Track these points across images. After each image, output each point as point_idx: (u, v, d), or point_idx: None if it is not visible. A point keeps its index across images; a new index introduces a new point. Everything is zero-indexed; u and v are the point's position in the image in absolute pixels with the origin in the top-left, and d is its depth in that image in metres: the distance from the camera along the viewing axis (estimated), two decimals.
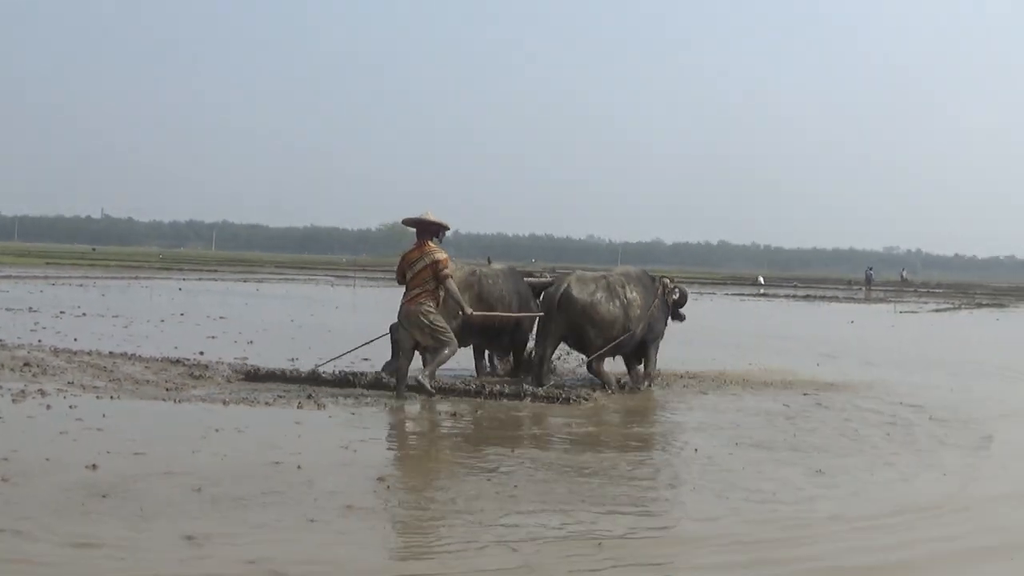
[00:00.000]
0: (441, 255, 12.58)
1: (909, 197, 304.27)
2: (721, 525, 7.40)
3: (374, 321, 25.15)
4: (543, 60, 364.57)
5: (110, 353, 15.58)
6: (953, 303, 54.23)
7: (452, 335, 12.71)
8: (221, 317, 24.14)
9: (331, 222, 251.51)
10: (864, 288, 75.82)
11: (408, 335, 12.66)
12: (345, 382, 13.46)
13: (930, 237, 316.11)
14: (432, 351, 12.73)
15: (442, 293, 12.65)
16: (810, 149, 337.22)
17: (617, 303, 14.14)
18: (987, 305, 53.32)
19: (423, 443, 10.53)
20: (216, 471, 8.26)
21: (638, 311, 14.31)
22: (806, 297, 55.75)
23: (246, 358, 15.72)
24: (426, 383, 12.42)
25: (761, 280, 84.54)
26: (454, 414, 11.70)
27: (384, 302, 36.01)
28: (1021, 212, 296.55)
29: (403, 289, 12.98)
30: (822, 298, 55.33)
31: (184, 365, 14.53)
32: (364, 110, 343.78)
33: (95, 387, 12.31)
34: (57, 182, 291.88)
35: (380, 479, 8.25)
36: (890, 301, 54.63)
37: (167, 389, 12.40)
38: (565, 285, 13.98)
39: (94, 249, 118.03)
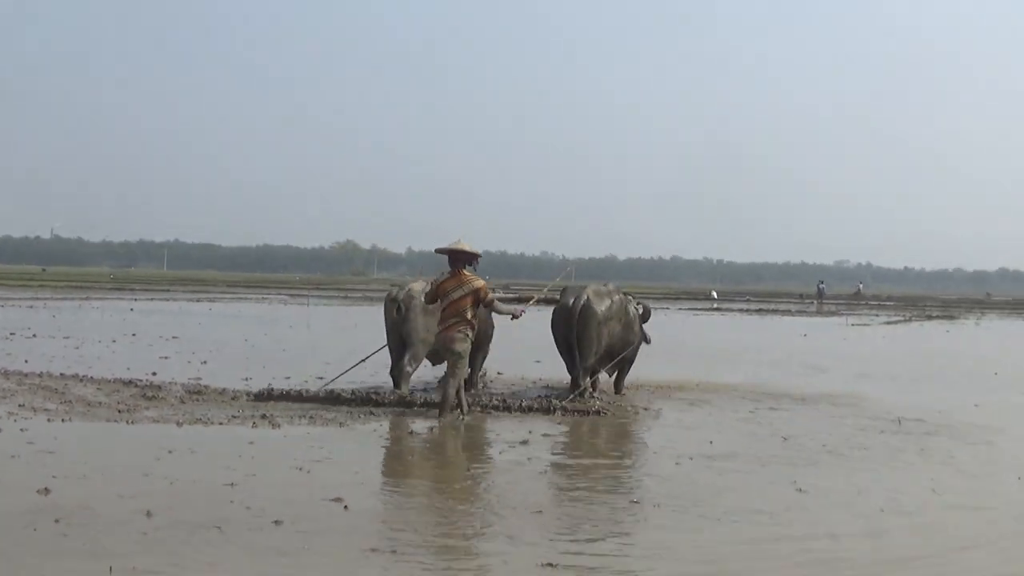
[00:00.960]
0: (480, 283, 12.82)
1: (858, 211, 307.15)
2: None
3: (329, 339, 25.15)
4: (496, 78, 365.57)
5: (61, 375, 15.41)
6: (904, 315, 54.76)
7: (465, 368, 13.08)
8: (174, 337, 23.94)
9: (284, 240, 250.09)
10: (816, 302, 76.44)
11: (440, 358, 13.40)
12: (368, 401, 13.55)
13: (880, 251, 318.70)
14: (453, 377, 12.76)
15: (475, 321, 12.95)
16: (760, 165, 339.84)
17: (625, 318, 14.98)
18: (937, 317, 53.91)
19: (379, 462, 10.46)
20: (168, 495, 8.18)
21: (636, 326, 15.18)
22: (759, 311, 56.06)
23: (199, 378, 15.61)
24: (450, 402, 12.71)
25: (714, 295, 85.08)
26: (411, 432, 11.68)
27: (337, 320, 35.92)
28: (968, 225, 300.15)
29: None
30: (775, 312, 55.67)
31: (136, 386, 14.40)
32: (316, 128, 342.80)
33: (46, 409, 12.16)
34: (5, 202, 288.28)
35: (336, 500, 8.18)
36: (842, 314, 55.07)
37: (119, 411, 12.27)
38: (585, 298, 14.48)
39: (44, 270, 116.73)
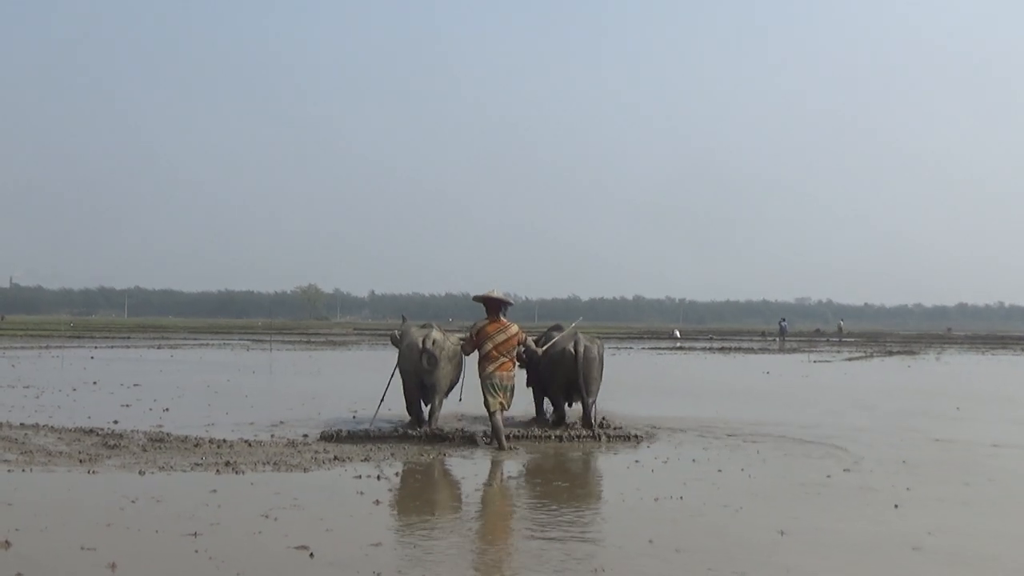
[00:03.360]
0: (516, 326, 14.66)
1: (817, 250, 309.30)
2: None
3: (292, 384, 25.02)
4: (459, 123, 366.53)
5: (21, 424, 15.23)
6: (865, 351, 55.14)
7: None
8: (135, 385, 23.73)
9: (246, 286, 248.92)
10: (778, 339, 76.84)
11: (492, 397, 14.17)
12: (440, 439, 14.45)
13: (840, 288, 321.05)
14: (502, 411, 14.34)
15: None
16: (720, 205, 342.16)
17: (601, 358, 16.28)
18: (898, 352, 54.31)
19: (345, 509, 10.35)
20: (131, 546, 8.08)
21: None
22: (722, 349, 56.29)
23: (161, 426, 15.47)
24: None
25: (677, 333, 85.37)
26: (379, 477, 11.62)
27: (299, 363, 35.76)
28: (927, 262, 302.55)
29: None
30: (737, 349, 55.93)
31: (98, 435, 14.25)
32: (276, 173, 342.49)
33: (5, 460, 12.01)
34: None
35: (301, 548, 8.08)
36: (804, 351, 55.37)
37: (81, 460, 12.14)
38: (584, 343, 15.81)
39: (2, 318, 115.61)
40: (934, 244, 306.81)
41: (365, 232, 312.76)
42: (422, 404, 15.72)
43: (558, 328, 17.44)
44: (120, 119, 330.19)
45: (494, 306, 14.63)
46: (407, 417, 15.90)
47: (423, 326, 16.17)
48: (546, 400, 17.02)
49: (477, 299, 14.84)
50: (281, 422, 16.00)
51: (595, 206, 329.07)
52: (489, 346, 14.34)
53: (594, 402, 15.73)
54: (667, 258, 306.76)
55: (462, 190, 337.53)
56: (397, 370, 15.73)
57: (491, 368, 14.26)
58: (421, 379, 15.36)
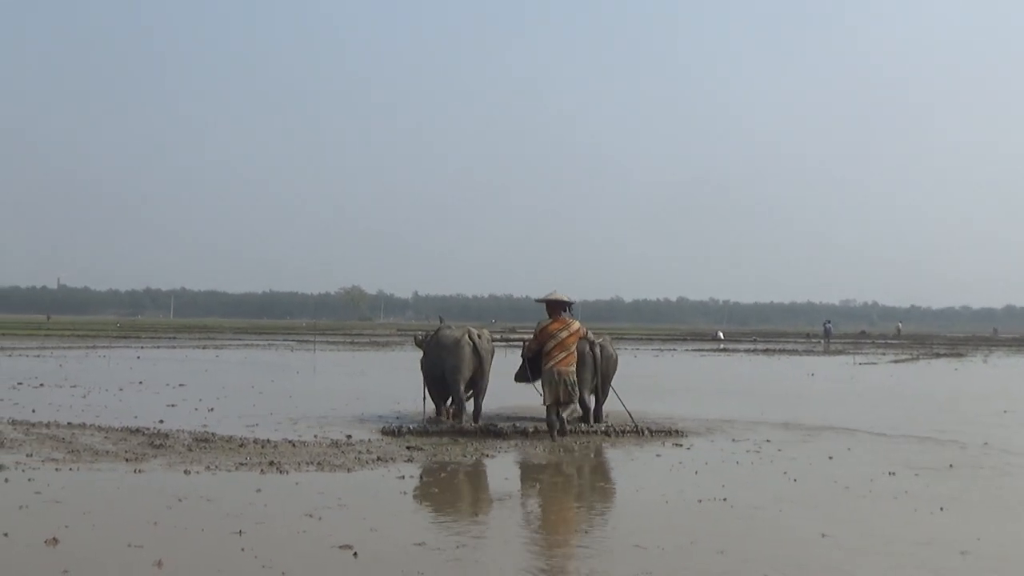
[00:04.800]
0: (577, 323, 15.52)
1: (865, 250, 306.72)
2: None
3: (335, 384, 25.12)
4: (492, 121, 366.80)
5: (69, 424, 15.40)
6: (911, 354, 54.63)
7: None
8: (181, 384, 23.93)
9: (290, 287, 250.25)
10: (823, 341, 76.31)
11: (553, 390, 14.91)
12: (494, 433, 15.28)
13: (886, 290, 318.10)
14: (565, 404, 15.27)
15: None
16: (764, 207, 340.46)
17: None
18: (945, 355, 53.77)
19: (389, 508, 10.37)
20: (177, 544, 8.14)
21: None
22: (766, 351, 55.97)
23: (206, 426, 15.59)
24: (566, 426, 15.39)
25: (720, 335, 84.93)
26: (422, 477, 11.64)
27: (344, 365, 35.89)
28: (973, 263, 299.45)
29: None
30: (782, 351, 55.58)
31: (144, 434, 14.38)
32: (321, 175, 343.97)
33: (54, 459, 12.14)
34: (13, 253, 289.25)
35: (345, 547, 8.12)
36: (849, 353, 54.94)
37: (127, 459, 12.25)
38: (600, 342, 16.96)
39: (48, 318, 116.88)
40: (983, 246, 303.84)
41: (409, 233, 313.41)
42: (462, 401, 16.63)
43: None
44: (167, 120, 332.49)
45: (557, 307, 15.41)
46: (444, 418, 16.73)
47: (454, 328, 17.36)
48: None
49: (540, 301, 15.64)
50: (325, 422, 16.05)
51: (638, 206, 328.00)
52: (552, 343, 15.11)
53: (605, 398, 16.93)
54: (711, 260, 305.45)
55: (507, 188, 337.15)
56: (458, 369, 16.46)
57: (552, 363, 14.99)
58: (478, 373, 16.52)
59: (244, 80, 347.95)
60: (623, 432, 15.62)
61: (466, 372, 16.40)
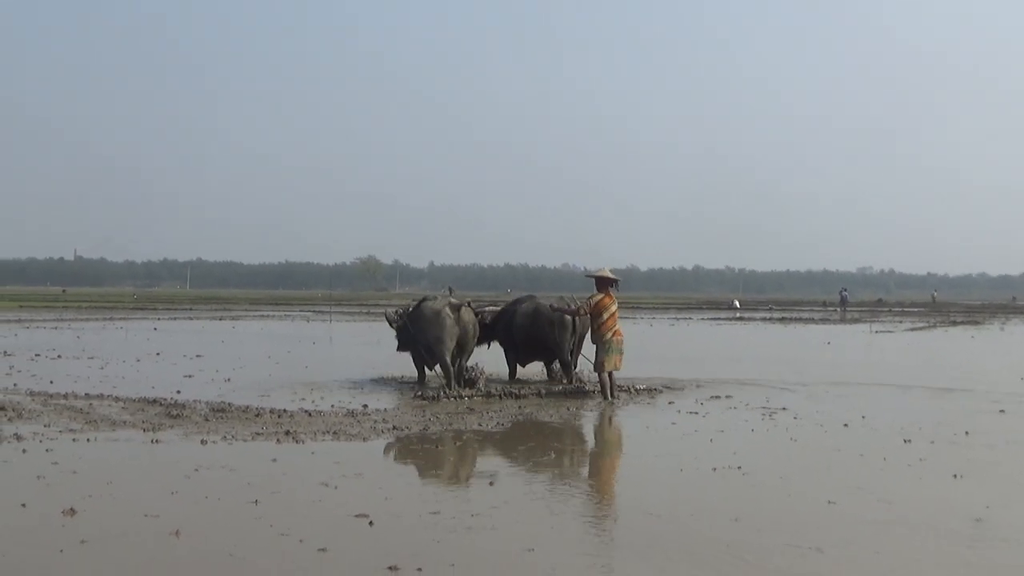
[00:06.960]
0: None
1: (881, 217, 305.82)
2: None
3: (351, 354, 25.17)
4: (509, 100, 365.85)
5: (86, 395, 15.48)
6: (928, 322, 54.52)
7: None
8: (197, 355, 24.02)
9: (306, 257, 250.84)
10: (839, 309, 76.15)
11: (611, 357, 16.23)
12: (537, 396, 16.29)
13: (902, 257, 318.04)
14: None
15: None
16: (783, 174, 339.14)
17: None
18: (961, 323, 53.62)
19: (405, 477, 10.41)
20: (194, 514, 8.18)
21: None
22: (782, 319, 55.93)
23: (223, 396, 15.64)
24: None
25: (736, 304, 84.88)
26: (437, 445, 11.68)
27: (360, 335, 35.95)
28: (991, 230, 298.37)
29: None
30: (798, 320, 55.54)
31: (161, 405, 14.44)
32: (335, 146, 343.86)
33: (72, 430, 12.20)
34: (30, 225, 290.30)
35: (361, 516, 8.15)
36: (865, 321, 54.83)
37: (144, 430, 12.30)
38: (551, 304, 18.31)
39: (64, 291, 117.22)
40: (998, 210, 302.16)
41: (425, 203, 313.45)
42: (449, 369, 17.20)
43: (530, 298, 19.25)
44: (183, 94, 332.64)
45: (606, 283, 16.67)
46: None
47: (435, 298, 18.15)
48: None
49: (591, 276, 17.05)
50: (341, 391, 16.08)
51: (654, 173, 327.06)
52: (606, 315, 16.44)
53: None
54: (727, 229, 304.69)
55: (525, 159, 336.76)
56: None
57: (610, 335, 16.34)
58: (465, 341, 17.44)
59: (259, 53, 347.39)
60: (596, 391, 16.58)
61: (449, 342, 17.07)
